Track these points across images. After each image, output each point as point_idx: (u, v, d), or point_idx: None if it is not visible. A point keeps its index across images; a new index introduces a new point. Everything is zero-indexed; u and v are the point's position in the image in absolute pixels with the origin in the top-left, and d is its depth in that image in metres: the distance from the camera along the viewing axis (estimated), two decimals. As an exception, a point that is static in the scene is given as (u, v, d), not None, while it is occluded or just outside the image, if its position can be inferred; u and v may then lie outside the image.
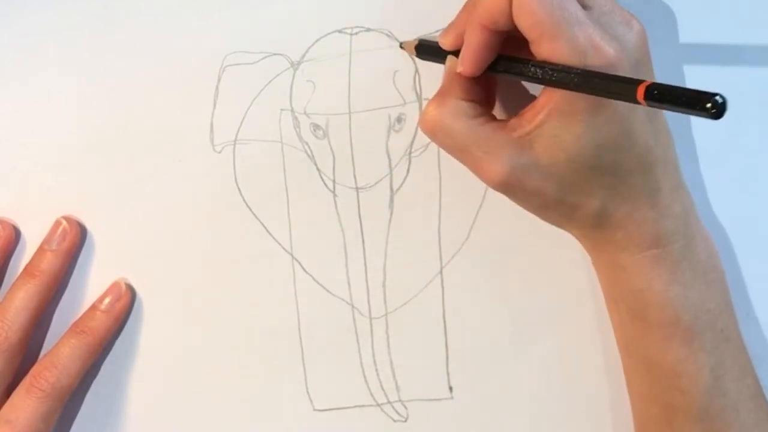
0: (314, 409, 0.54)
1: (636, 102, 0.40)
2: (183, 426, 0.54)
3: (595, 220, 0.47)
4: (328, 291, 0.53)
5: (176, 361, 0.54)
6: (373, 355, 0.53)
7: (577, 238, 0.49)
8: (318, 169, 0.53)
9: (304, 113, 0.52)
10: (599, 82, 0.42)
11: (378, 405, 0.53)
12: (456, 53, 0.47)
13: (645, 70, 0.46)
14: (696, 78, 0.52)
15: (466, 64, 0.46)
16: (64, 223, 0.52)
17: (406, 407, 0.54)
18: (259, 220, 0.53)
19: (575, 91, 0.43)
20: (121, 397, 0.54)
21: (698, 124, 0.52)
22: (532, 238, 0.52)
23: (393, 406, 0.53)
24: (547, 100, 0.45)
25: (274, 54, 0.52)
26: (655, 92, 0.39)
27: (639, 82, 0.40)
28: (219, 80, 0.52)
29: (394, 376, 0.53)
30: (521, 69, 0.45)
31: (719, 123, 0.51)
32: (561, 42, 0.43)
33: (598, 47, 0.43)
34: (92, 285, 0.53)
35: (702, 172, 0.52)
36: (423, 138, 0.52)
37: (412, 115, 0.52)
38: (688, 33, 0.52)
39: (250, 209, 0.53)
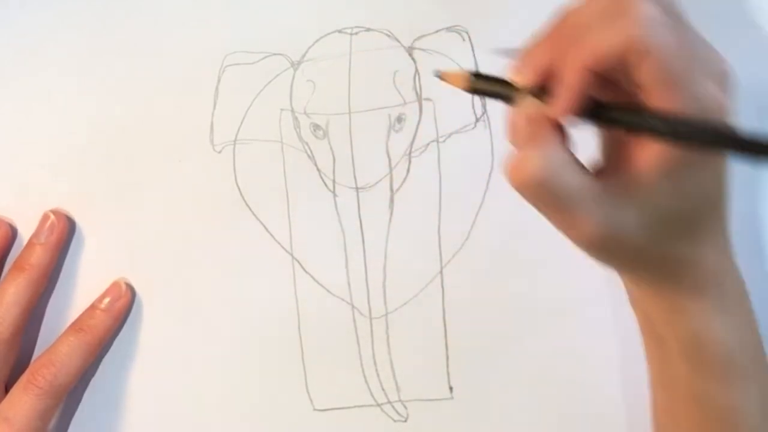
0: (314, 409, 0.53)
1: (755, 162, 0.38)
2: (182, 426, 0.54)
3: (671, 266, 0.44)
4: (328, 291, 0.53)
5: (175, 360, 0.54)
6: (373, 355, 0.53)
7: (634, 281, 0.46)
8: (318, 169, 0.53)
9: (304, 113, 0.52)
10: (733, 142, 0.39)
11: (378, 405, 0.53)
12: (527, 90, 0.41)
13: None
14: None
15: (565, 106, 0.39)
16: (52, 216, 0.52)
17: (406, 407, 0.54)
18: (259, 220, 0.53)
19: (705, 148, 0.39)
20: (120, 397, 0.54)
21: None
22: (532, 238, 0.52)
23: (393, 406, 0.53)
24: (649, 152, 0.40)
25: (274, 54, 0.52)
26: None
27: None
28: (219, 80, 0.52)
29: (394, 376, 0.53)
30: (637, 120, 0.39)
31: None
32: (688, 99, 0.39)
33: (719, 102, 0.40)
34: (92, 285, 0.53)
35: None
36: (423, 138, 0.53)
37: (412, 115, 0.52)
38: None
39: (250, 209, 0.53)
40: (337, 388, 0.53)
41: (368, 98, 0.52)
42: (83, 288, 0.53)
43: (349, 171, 0.53)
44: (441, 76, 0.43)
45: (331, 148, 0.52)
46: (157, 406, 0.54)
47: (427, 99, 0.52)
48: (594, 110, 0.40)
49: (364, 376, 0.53)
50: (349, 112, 0.52)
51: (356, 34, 0.52)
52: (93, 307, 0.53)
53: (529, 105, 0.41)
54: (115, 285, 0.53)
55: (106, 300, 0.53)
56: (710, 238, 0.44)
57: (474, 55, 0.52)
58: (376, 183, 0.53)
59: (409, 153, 0.53)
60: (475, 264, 0.53)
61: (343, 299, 0.53)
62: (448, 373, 0.53)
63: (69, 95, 0.53)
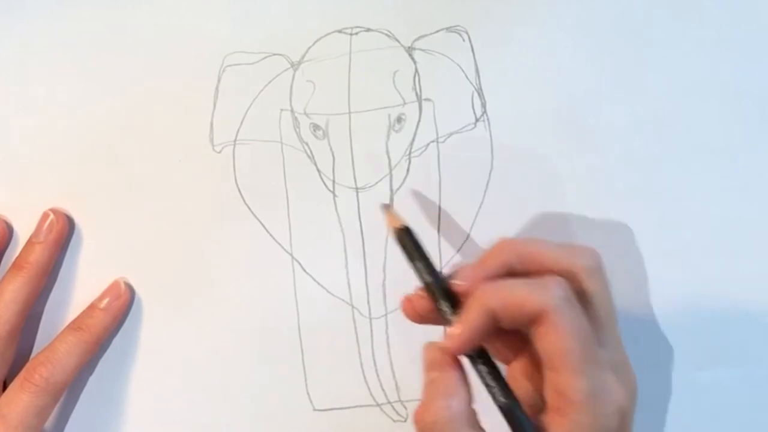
0: (314, 409, 0.53)
1: None
2: (182, 426, 0.54)
3: None
4: (328, 291, 0.53)
5: (175, 360, 0.54)
6: (373, 355, 0.53)
7: None
8: (318, 170, 0.53)
9: (304, 113, 0.52)
10: None
11: (378, 405, 0.53)
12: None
13: (631, 426, 0.45)
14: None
15: (460, 342, 0.44)
16: (51, 215, 0.52)
17: (406, 407, 0.54)
18: (259, 220, 0.53)
19: None
20: (119, 397, 0.54)
21: (697, 125, 0.52)
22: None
23: (393, 406, 0.53)
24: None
25: (274, 54, 0.52)
26: None
27: None
28: (219, 80, 0.52)
29: (394, 376, 0.53)
30: (490, 389, 0.44)
31: (719, 123, 0.52)
32: (582, 378, 0.42)
33: (613, 392, 0.43)
34: (91, 284, 0.53)
35: (702, 172, 0.52)
36: (423, 138, 0.53)
37: (412, 115, 0.52)
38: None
39: (250, 209, 0.53)
40: (337, 388, 0.53)
41: (368, 98, 0.52)
42: (82, 287, 0.53)
43: (349, 171, 0.53)
44: (386, 209, 0.49)
45: (331, 148, 0.52)
46: (156, 405, 0.54)
47: (427, 99, 0.52)
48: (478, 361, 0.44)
49: (364, 376, 0.53)
50: (349, 112, 0.52)
51: (356, 34, 0.52)
52: (92, 306, 0.53)
53: (433, 351, 0.45)
54: (115, 284, 0.53)
55: (105, 299, 0.53)
56: None
57: (474, 55, 0.52)
58: (376, 183, 0.53)
59: (409, 153, 0.53)
60: (475, 264, 0.53)
61: (343, 299, 0.53)
62: (448, 373, 0.53)
63: (69, 95, 0.53)
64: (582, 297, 0.44)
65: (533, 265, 0.45)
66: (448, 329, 0.44)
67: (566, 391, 0.42)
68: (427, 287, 0.45)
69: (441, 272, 0.46)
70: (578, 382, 0.42)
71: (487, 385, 0.44)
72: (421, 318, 0.46)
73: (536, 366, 0.45)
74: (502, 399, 0.44)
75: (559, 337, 0.42)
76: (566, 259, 0.45)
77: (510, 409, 0.44)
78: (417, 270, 0.46)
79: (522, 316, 0.43)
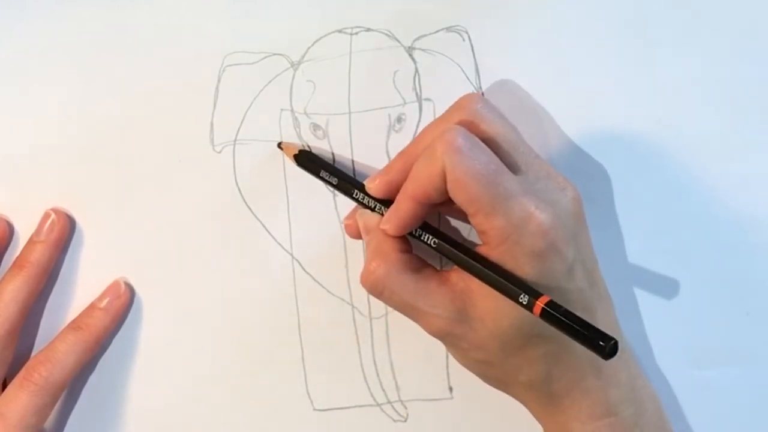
0: (314, 409, 0.53)
1: (530, 311, 0.43)
2: (182, 426, 0.54)
3: (540, 387, 0.47)
4: (328, 291, 0.53)
5: (175, 360, 0.54)
6: (373, 355, 0.53)
7: (524, 404, 0.49)
8: (318, 169, 0.53)
9: (304, 113, 0.52)
10: (501, 283, 0.44)
11: (378, 405, 0.53)
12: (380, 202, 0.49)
13: (581, 237, 0.47)
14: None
15: (392, 226, 0.47)
16: (53, 215, 0.52)
17: (406, 407, 0.54)
18: (259, 220, 0.53)
19: (482, 281, 0.45)
20: (119, 397, 0.54)
21: (697, 126, 0.52)
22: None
23: (393, 406, 0.53)
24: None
25: (274, 54, 0.52)
26: (551, 312, 0.42)
27: (538, 295, 0.43)
28: (219, 80, 0.52)
29: (394, 376, 0.53)
30: (438, 246, 0.47)
31: (718, 124, 0.52)
32: (497, 216, 0.44)
33: (532, 217, 0.44)
34: (91, 284, 0.53)
35: (702, 172, 0.52)
36: (423, 138, 0.53)
37: (412, 115, 0.52)
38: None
39: (250, 209, 0.53)
40: (337, 388, 0.53)
41: (368, 98, 0.52)
42: (82, 286, 0.53)
43: (349, 171, 0.53)
44: (279, 145, 0.52)
45: (331, 148, 0.52)
46: (156, 405, 0.54)
47: (427, 99, 0.52)
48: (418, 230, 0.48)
49: (364, 376, 0.53)
50: (349, 112, 0.52)
51: (356, 34, 0.52)
52: (92, 305, 0.53)
53: (368, 219, 0.49)
54: (115, 284, 0.53)
55: (106, 299, 0.53)
56: (582, 365, 0.47)
57: (474, 55, 0.52)
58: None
59: (409, 153, 0.53)
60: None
61: (343, 299, 0.53)
62: (448, 373, 0.53)
63: (69, 95, 0.53)
64: (480, 136, 0.46)
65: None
66: (385, 216, 0.48)
67: (487, 231, 0.45)
68: (342, 188, 0.50)
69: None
70: (493, 220, 0.44)
71: (422, 241, 0.48)
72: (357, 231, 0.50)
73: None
74: (434, 240, 0.47)
75: (461, 187, 0.44)
76: (443, 124, 0.47)
77: (442, 243, 0.47)
78: (329, 180, 0.50)
79: (439, 187, 0.45)
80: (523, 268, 0.44)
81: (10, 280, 0.52)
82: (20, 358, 0.53)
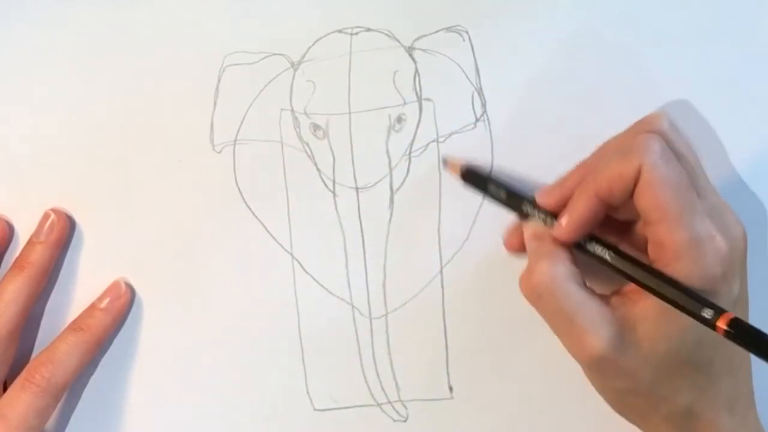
0: (314, 409, 0.53)
1: (712, 328, 0.41)
2: (182, 426, 0.54)
3: (679, 420, 0.46)
4: (328, 291, 0.53)
5: (175, 360, 0.54)
6: (373, 355, 0.53)
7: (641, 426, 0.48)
8: (318, 169, 0.53)
9: (304, 113, 0.52)
10: (682, 297, 0.43)
11: (378, 405, 0.53)
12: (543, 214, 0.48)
13: (744, 277, 0.46)
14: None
15: (568, 230, 0.46)
16: (52, 215, 0.52)
17: (406, 407, 0.54)
18: (259, 220, 0.53)
19: (657, 296, 0.43)
20: (119, 397, 0.54)
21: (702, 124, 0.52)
22: (532, 238, 0.52)
23: (393, 406, 0.53)
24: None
25: (274, 54, 0.52)
26: (737, 328, 0.41)
27: (722, 311, 0.41)
28: (219, 80, 0.52)
29: (394, 376, 0.53)
30: (613, 259, 0.45)
31: (719, 123, 0.52)
32: (681, 229, 0.43)
33: (714, 240, 0.43)
34: (92, 284, 0.53)
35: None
36: (423, 138, 0.53)
37: (412, 115, 0.52)
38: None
39: (250, 209, 0.53)
40: (337, 388, 0.53)
41: (368, 98, 0.52)
42: (83, 287, 0.53)
43: (349, 171, 0.53)
44: (445, 162, 0.52)
45: (331, 148, 0.52)
46: (156, 406, 0.54)
47: (427, 99, 0.52)
48: (591, 242, 0.46)
49: (364, 376, 0.53)
50: (349, 112, 0.52)
51: (356, 34, 0.52)
52: (92, 306, 0.53)
53: (535, 224, 0.47)
54: (115, 284, 0.53)
55: (106, 299, 0.53)
56: (722, 401, 0.45)
57: (474, 55, 0.52)
58: (376, 183, 0.53)
59: (409, 153, 0.53)
60: (475, 264, 0.53)
61: (343, 299, 0.53)
62: (448, 373, 0.53)
63: (69, 95, 0.53)
64: (673, 152, 0.45)
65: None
66: (557, 222, 0.46)
67: (666, 242, 0.43)
68: (511, 201, 0.49)
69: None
70: (677, 232, 0.43)
71: (592, 255, 0.46)
72: (521, 246, 0.48)
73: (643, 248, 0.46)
74: (609, 253, 0.45)
75: (654, 191, 0.43)
76: (628, 137, 0.46)
77: (616, 256, 0.45)
78: (496, 195, 0.50)
79: (626, 187, 0.44)
80: (694, 288, 0.43)
81: (11, 280, 0.52)
82: (21, 359, 0.53)
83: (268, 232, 0.53)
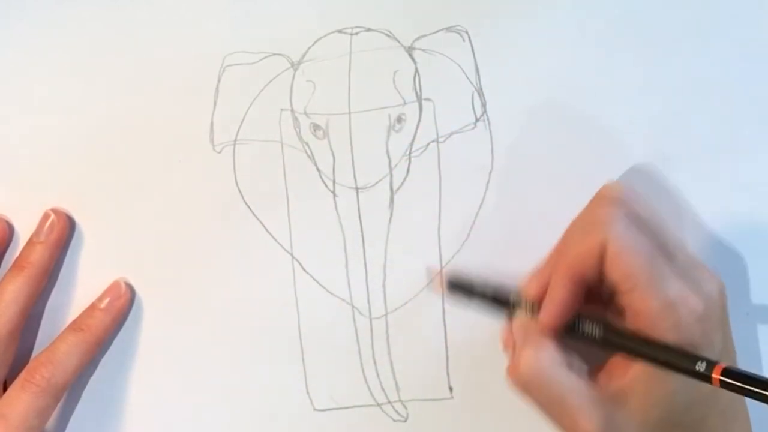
0: (314, 409, 0.53)
1: (708, 380, 0.42)
2: (182, 426, 0.54)
3: None
4: (328, 291, 0.53)
5: (175, 360, 0.54)
6: (373, 355, 0.53)
7: None
8: (318, 169, 0.53)
9: (304, 113, 0.52)
10: (677, 359, 0.43)
11: (378, 405, 0.53)
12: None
13: (726, 330, 0.46)
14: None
15: (550, 318, 0.46)
16: (52, 215, 0.52)
17: (406, 407, 0.54)
18: (259, 220, 0.53)
19: (649, 362, 0.44)
20: (119, 397, 0.54)
21: (703, 126, 0.52)
22: (532, 238, 0.52)
23: (393, 406, 0.53)
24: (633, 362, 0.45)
25: (274, 54, 0.52)
26: (731, 376, 0.41)
27: (715, 362, 0.42)
28: (219, 80, 0.52)
29: (394, 376, 0.53)
30: (600, 337, 0.46)
31: (719, 123, 0.52)
32: (653, 295, 0.43)
33: (687, 300, 0.44)
34: (92, 284, 0.53)
35: (702, 172, 0.52)
36: (423, 138, 0.53)
37: (412, 115, 0.52)
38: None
39: (250, 209, 0.53)
40: (337, 388, 0.53)
41: (368, 98, 0.52)
42: (83, 287, 0.53)
43: (349, 171, 0.52)
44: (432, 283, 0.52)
45: (331, 148, 0.52)
46: (156, 405, 0.54)
47: (427, 99, 0.52)
48: (580, 321, 0.46)
49: (364, 376, 0.53)
50: (349, 112, 0.52)
51: (356, 34, 0.52)
52: (92, 306, 0.53)
53: (522, 316, 0.47)
54: (115, 284, 0.53)
55: (106, 299, 0.53)
56: None
57: (474, 55, 0.52)
58: (376, 183, 0.53)
59: (409, 153, 0.53)
60: (475, 264, 0.53)
61: (343, 299, 0.53)
62: (448, 373, 0.53)
63: (69, 95, 0.53)
64: (635, 220, 0.45)
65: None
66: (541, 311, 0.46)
67: (641, 310, 0.44)
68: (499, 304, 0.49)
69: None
70: (649, 299, 0.43)
71: (581, 335, 0.46)
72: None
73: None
74: (599, 328, 0.46)
75: (621, 262, 0.44)
76: (589, 213, 0.46)
77: (608, 331, 0.45)
78: (483, 297, 0.50)
79: (595, 263, 0.44)
80: None
81: (11, 280, 0.52)
82: (21, 359, 0.53)
83: (268, 232, 0.53)
